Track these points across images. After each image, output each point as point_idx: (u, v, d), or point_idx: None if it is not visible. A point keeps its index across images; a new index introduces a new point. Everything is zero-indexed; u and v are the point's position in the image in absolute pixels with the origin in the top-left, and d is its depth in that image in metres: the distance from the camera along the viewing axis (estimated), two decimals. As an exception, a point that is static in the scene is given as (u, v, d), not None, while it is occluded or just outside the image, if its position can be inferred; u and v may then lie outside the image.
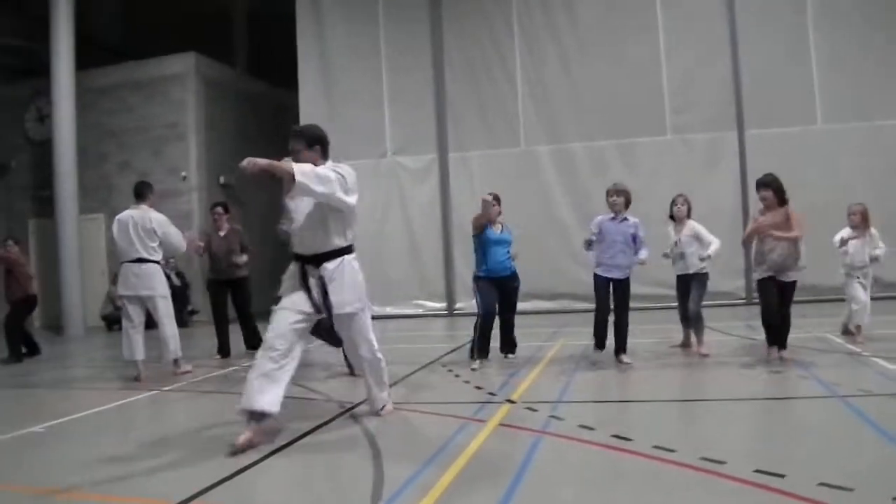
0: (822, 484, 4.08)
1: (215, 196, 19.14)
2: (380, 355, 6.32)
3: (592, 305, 8.80)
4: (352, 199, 5.92)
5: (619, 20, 16.02)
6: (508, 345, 9.63)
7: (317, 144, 6.30)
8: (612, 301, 8.69)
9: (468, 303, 16.19)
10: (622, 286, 8.64)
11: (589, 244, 8.57)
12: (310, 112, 17.66)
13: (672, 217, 9.26)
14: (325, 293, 5.86)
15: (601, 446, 5.17)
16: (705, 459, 4.65)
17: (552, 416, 6.14)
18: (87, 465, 5.38)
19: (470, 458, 5.04)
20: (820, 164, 14.79)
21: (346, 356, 8.31)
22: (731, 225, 14.53)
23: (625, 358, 8.51)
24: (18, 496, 4.72)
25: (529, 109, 16.52)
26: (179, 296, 17.69)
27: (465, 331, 12.74)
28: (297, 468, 5.18)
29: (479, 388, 7.57)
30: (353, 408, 6.94)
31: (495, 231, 9.26)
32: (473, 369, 8.75)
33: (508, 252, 9.33)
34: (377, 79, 17.35)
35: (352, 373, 8.62)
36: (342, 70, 17.53)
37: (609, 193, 8.66)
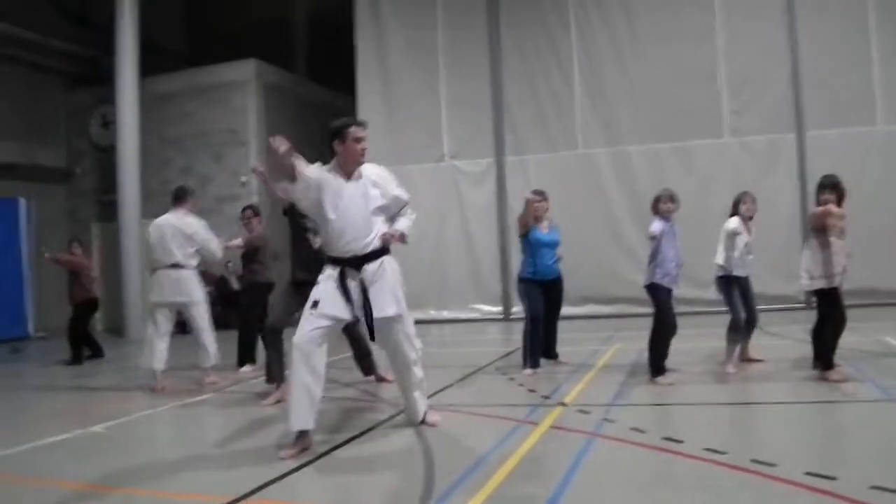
0: (874, 487, 4.06)
1: (275, 201, 19.38)
2: (419, 359, 6.07)
3: (649, 310, 8.19)
4: (407, 194, 6.12)
5: (677, 21, 15.88)
6: (550, 351, 9.31)
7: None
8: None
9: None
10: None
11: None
12: (368, 117, 17.78)
13: (737, 215, 8.38)
14: (365, 297, 5.63)
15: (652, 448, 5.19)
16: (756, 462, 4.65)
17: (604, 419, 6.16)
18: (142, 463, 5.55)
19: (520, 459, 5.10)
20: (880, 165, 14.53)
21: (357, 359, 8.78)
22: (788, 229, 14.35)
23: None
24: (78, 493, 4.88)
25: (586, 112, 16.45)
26: (238, 300, 17.92)
27: (520, 335, 12.79)
28: (347, 468, 5.28)
29: (531, 391, 7.61)
30: (403, 411, 7.01)
31: (542, 231, 8.92)
32: (528, 375, 8.52)
33: (555, 254, 9.01)
34: (435, 83, 17.42)
35: (366, 374, 8.83)
36: (400, 75, 17.63)
37: (663, 200, 7.88)
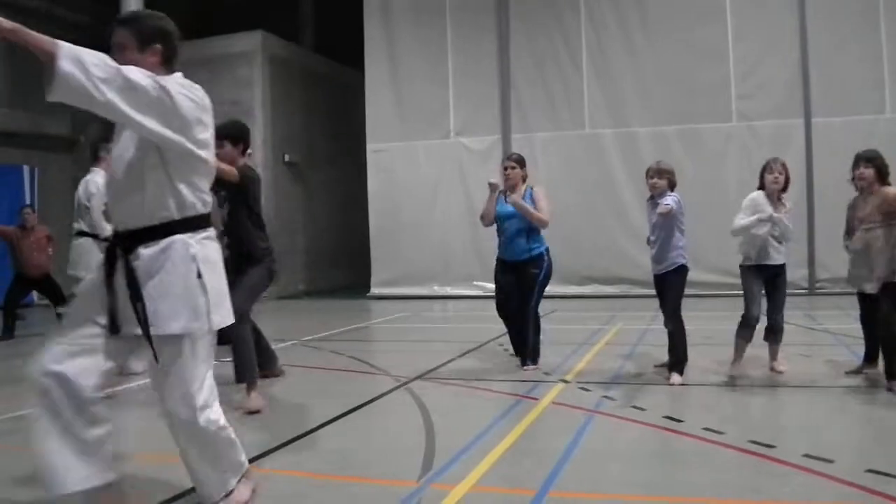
0: (870, 470, 4.07)
1: (280, 174, 19.40)
2: (214, 418, 3.53)
3: (651, 292, 7.61)
4: (177, 136, 3.49)
5: (687, 4, 15.79)
6: (519, 350, 7.83)
7: (157, 43, 3.98)
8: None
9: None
10: (666, 282, 6.93)
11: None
12: (374, 90, 17.76)
13: (762, 188, 6.84)
14: (137, 296, 3.38)
15: (651, 426, 5.21)
16: (754, 443, 4.66)
17: (604, 397, 6.18)
18: (144, 428, 5.56)
19: (520, 434, 5.11)
20: (888, 154, 14.36)
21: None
22: (794, 215, 14.28)
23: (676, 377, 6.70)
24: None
25: (594, 92, 16.39)
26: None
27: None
28: (348, 438, 5.30)
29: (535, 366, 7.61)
30: (408, 382, 7.03)
31: (504, 203, 7.70)
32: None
33: (524, 230, 7.63)
34: (442, 58, 17.35)
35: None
36: (408, 49, 17.57)
37: (650, 173, 6.92)
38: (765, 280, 6.84)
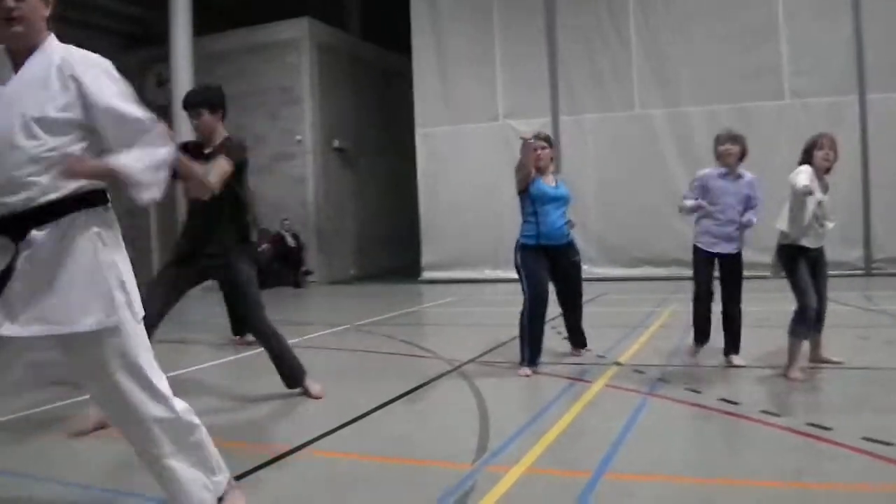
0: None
1: (329, 159, 19.51)
2: (186, 407, 3.23)
3: None
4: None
5: (738, -21, 15.57)
6: (578, 336, 7.52)
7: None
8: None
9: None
10: (732, 264, 6.69)
11: (692, 210, 6.74)
12: (422, 75, 17.76)
13: (807, 162, 6.23)
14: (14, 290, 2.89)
15: (707, 409, 5.16)
16: (812, 425, 4.61)
17: (659, 379, 6.14)
18: (199, 412, 5.64)
19: (575, 416, 5.11)
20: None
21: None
22: (848, 193, 14.04)
23: (737, 359, 6.62)
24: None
25: (644, 72, 16.22)
26: (294, 257, 18.17)
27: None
28: (403, 421, 5.33)
29: (588, 349, 7.57)
30: (461, 365, 7.05)
31: (548, 184, 7.00)
32: (525, 375, 6.59)
33: (565, 213, 7.09)
34: (490, 42, 17.28)
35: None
36: (454, 33, 17.53)
37: (720, 140, 6.59)
38: (810, 262, 6.25)
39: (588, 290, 13.29)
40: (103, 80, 3.01)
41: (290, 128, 19.11)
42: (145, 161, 2.99)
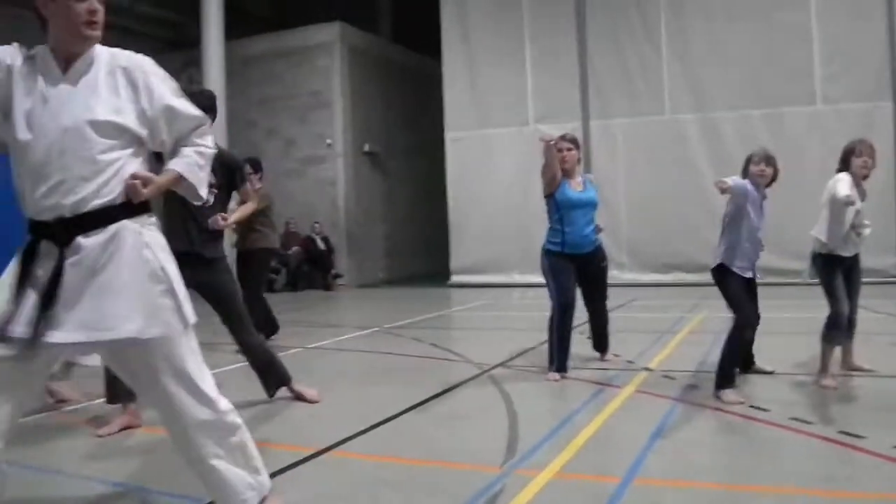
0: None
1: (360, 163, 19.57)
2: (231, 408, 3.19)
3: None
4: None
5: (770, -18, 15.46)
6: (602, 341, 7.40)
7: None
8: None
9: (609, 273, 16.03)
10: (755, 289, 6.17)
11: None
12: (452, 79, 17.78)
13: (845, 170, 6.07)
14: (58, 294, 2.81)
15: (736, 416, 5.14)
16: (843, 433, 4.57)
17: (689, 385, 6.12)
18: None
19: (604, 421, 5.10)
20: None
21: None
22: (881, 201, 13.87)
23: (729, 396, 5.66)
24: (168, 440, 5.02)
25: (674, 76, 16.14)
26: (324, 260, 18.25)
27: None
28: (432, 424, 5.34)
29: (616, 355, 7.55)
30: (490, 369, 7.06)
31: (574, 188, 6.76)
32: (554, 380, 6.56)
33: (594, 219, 6.88)
34: (520, 46, 17.27)
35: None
36: (485, 38, 17.53)
37: (754, 160, 5.96)
38: (844, 270, 6.12)
39: (618, 296, 13.28)
40: (154, 79, 3.02)
41: (321, 131, 19.20)
42: (198, 161, 3.13)
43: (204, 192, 3.19)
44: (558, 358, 6.66)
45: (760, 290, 6.14)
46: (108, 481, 4.19)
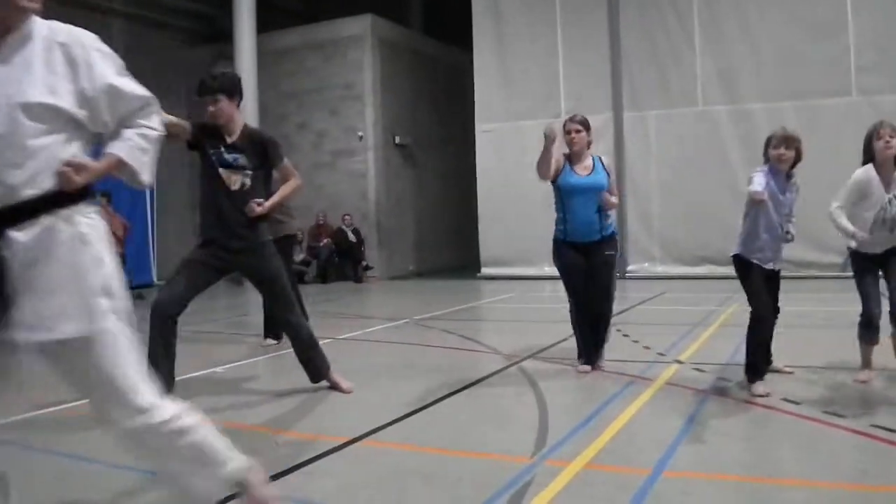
0: None
1: (391, 155, 19.60)
2: (176, 419, 2.84)
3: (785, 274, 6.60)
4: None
5: (804, -28, 15.28)
6: (596, 349, 6.67)
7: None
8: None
9: (640, 265, 16.03)
10: (778, 282, 5.90)
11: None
12: (483, 71, 17.75)
13: (871, 160, 5.84)
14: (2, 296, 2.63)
15: (768, 409, 5.10)
16: (876, 427, 4.53)
17: (720, 378, 6.09)
18: (259, 403, 5.74)
19: (634, 413, 5.09)
20: None
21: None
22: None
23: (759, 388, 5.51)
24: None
25: (707, 68, 16.01)
26: (354, 252, 18.30)
27: (637, 292, 12.71)
28: (462, 415, 5.36)
29: (647, 347, 7.54)
30: (520, 361, 7.06)
31: (579, 173, 6.51)
32: (584, 372, 6.47)
33: (595, 203, 6.49)
34: (552, 37, 17.20)
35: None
36: (516, 29, 17.48)
37: (773, 143, 5.65)
38: (877, 265, 5.81)
39: (649, 288, 13.26)
40: (95, 55, 2.73)
41: (352, 124, 19.25)
42: (141, 143, 2.84)
43: (146, 177, 2.86)
44: (585, 351, 6.59)
45: (794, 283, 6.08)
46: (140, 469, 4.24)
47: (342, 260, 18.58)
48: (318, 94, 19.58)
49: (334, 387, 6.01)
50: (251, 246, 5.62)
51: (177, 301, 5.46)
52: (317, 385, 6.03)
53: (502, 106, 17.44)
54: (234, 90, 5.58)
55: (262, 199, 5.58)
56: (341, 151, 19.28)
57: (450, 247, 21.76)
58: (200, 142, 5.67)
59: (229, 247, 5.60)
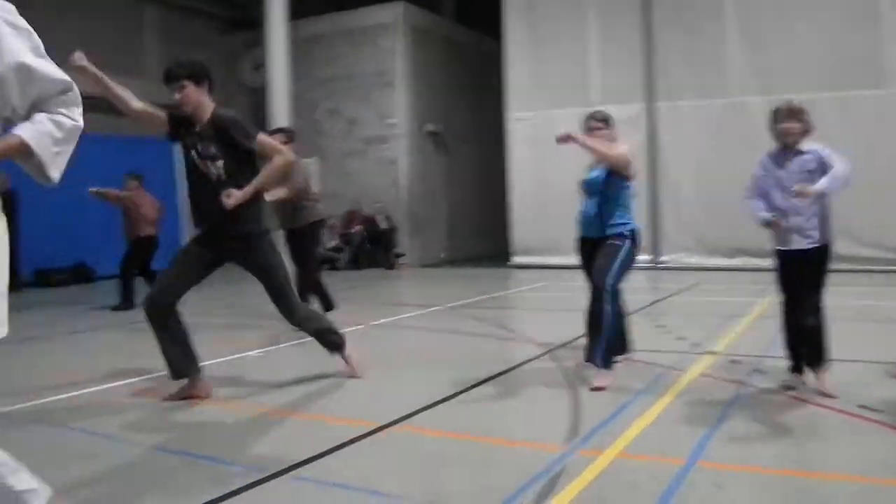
0: None
1: (421, 143, 19.58)
2: None
3: None
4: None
5: (841, -40, 15.06)
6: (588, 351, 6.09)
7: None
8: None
9: (674, 256, 15.92)
10: (808, 262, 5.35)
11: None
12: (514, 59, 17.66)
13: None
14: None
15: (804, 402, 5.05)
16: (917, 421, 4.47)
17: (756, 370, 6.04)
18: (291, 389, 5.77)
19: (668, 403, 5.07)
20: None
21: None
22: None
23: (822, 382, 5.23)
24: (236, 411, 5.11)
25: (741, 57, 15.82)
26: (386, 239, 18.33)
27: (670, 283, 12.64)
28: (494, 402, 5.36)
29: (681, 338, 7.50)
30: (552, 350, 7.04)
31: (592, 167, 6.53)
32: (617, 362, 6.02)
33: (598, 200, 6.27)
34: (583, 26, 17.06)
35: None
36: (548, 17, 17.35)
37: (778, 117, 5.58)
38: None
39: (683, 280, 13.18)
40: (6, 30, 2.44)
41: (384, 111, 19.24)
42: (53, 132, 2.52)
43: (55, 172, 2.55)
44: (620, 340, 6.40)
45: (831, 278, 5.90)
46: (167, 449, 4.27)
47: (374, 247, 18.61)
48: (350, 82, 19.59)
49: (346, 364, 6.03)
50: (238, 236, 5.43)
51: (165, 291, 5.38)
52: (348, 371, 6.04)
53: (534, 95, 17.33)
54: (200, 76, 5.36)
55: (232, 190, 5.25)
56: (373, 139, 19.28)
57: (481, 235, 21.73)
58: (178, 132, 5.50)
59: (216, 238, 5.48)
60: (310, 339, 6.06)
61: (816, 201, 5.16)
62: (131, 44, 18.69)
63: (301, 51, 18.96)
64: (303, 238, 8.61)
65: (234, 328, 9.09)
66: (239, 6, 21.24)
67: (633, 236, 6.08)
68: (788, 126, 5.37)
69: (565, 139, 6.01)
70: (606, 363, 5.69)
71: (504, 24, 17.76)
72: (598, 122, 6.37)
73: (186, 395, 5.35)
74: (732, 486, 3.63)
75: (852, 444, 4.25)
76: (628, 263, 5.96)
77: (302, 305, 6.11)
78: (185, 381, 5.39)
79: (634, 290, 9.57)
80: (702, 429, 4.44)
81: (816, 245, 5.26)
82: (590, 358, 5.82)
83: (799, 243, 5.31)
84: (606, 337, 5.71)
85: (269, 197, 6.85)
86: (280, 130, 8.90)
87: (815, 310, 5.27)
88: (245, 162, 5.41)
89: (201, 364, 5.52)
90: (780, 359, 5.66)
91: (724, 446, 4.19)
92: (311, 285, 8.56)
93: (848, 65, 14.70)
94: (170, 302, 5.37)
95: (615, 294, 5.80)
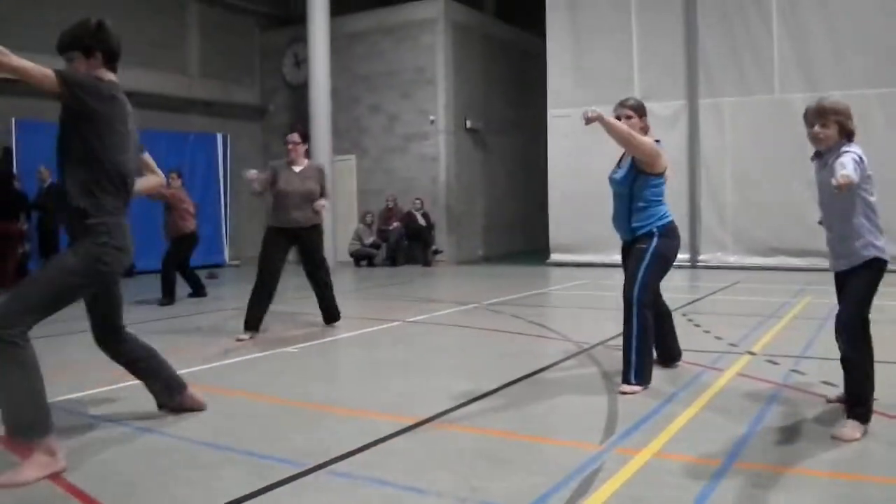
0: None
1: (462, 139, 19.59)
2: None
3: None
4: None
5: (886, -44, 14.85)
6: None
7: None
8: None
9: (712, 255, 15.82)
10: (844, 284, 4.61)
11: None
12: (556, 56, 17.61)
13: None
14: None
15: (842, 403, 5.00)
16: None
17: (793, 371, 6.00)
18: (326, 384, 5.82)
19: (705, 404, 5.05)
20: None
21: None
22: None
23: (842, 431, 4.32)
24: (268, 405, 5.17)
25: (785, 54, 15.66)
26: (424, 236, 18.37)
27: (708, 282, 12.58)
28: (530, 400, 5.35)
29: (718, 338, 7.46)
30: (589, 348, 7.04)
31: (620, 164, 6.07)
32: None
33: (625, 202, 5.92)
34: (625, 22, 16.98)
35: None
36: (589, 14, 17.30)
37: (807, 119, 4.83)
38: None
39: (721, 279, 13.11)
40: None
41: (424, 108, 19.28)
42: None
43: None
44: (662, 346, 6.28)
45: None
46: (204, 442, 4.33)
47: (412, 243, 18.66)
48: (390, 78, 19.65)
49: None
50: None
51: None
52: (386, 366, 6.08)
53: (575, 91, 17.26)
54: (90, 45, 4.18)
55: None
56: (413, 135, 19.33)
57: (519, 232, 21.74)
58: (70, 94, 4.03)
59: None
60: (343, 336, 6.12)
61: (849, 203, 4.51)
62: (174, 40, 18.93)
63: (342, 47, 19.07)
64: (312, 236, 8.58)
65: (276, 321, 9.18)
66: (281, 3, 21.43)
67: (662, 231, 5.80)
68: (814, 131, 4.70)
69: (592, 119, 5.52)
70: (640, 380, 5.46)
71: (546, 20, 17.70)
72: (628, 111, 5.85)
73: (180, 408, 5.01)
74: (770, 487, 3.61)
75: (885, 446, 4.21)
76: (659, 262, 5.75)
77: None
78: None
79: (673, 288, 9.56)
80: (739, 429, 4.43)
81: (847, 268, 4.54)
82: (625, 380, 5.50)
83: (833, 265, 4.70)
84: (636, 350, 5.48)
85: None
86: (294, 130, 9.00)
87: (849, 334, 4.50)
88: (80, 137, 4.12)
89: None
90: (817, 359, 5.62)
91: (762, 447, 4.18)
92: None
93: (892, 60, 14.51)
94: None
95: (641, 306, 5.56)
